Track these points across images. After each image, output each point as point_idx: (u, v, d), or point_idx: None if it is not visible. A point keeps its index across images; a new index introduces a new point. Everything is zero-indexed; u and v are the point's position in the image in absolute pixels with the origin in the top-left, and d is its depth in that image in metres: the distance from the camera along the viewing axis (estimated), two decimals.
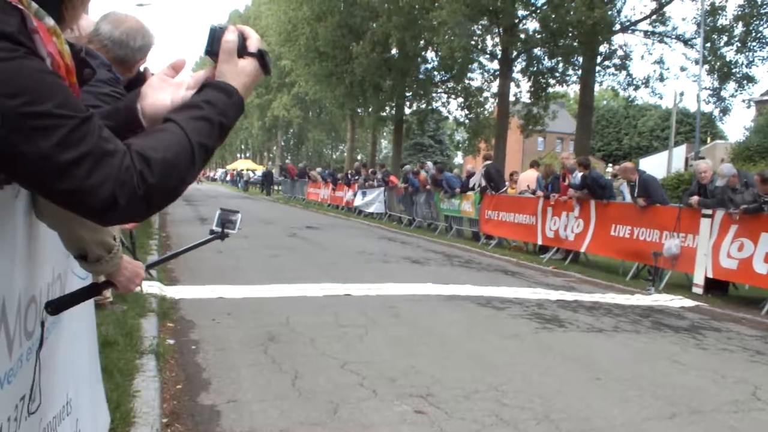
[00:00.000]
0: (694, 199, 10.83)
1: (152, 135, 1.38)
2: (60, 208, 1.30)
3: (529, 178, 17.27)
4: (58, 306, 2.03)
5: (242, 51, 1.53)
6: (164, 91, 1.58)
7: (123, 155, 1.25)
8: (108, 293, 6.57)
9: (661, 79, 29.49)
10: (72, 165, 1.18)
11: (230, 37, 1.52)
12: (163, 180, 1.31)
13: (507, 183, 18.75)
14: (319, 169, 37.38)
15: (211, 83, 1.51)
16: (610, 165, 57.82)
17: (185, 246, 2.75)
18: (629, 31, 29.31)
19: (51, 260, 1.96)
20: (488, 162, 18.10)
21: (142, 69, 3.07)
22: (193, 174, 1.41)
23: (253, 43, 1.55)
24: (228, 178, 70.90)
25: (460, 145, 44.20)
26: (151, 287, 7.93)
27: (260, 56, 1.55)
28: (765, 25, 26.51)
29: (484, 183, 17.39)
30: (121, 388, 4.28)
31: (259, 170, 61.82)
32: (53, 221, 1.86)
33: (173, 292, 8.39)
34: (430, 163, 22.36)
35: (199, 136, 1.40)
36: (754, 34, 26.41)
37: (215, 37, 1.53)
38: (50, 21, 1.28)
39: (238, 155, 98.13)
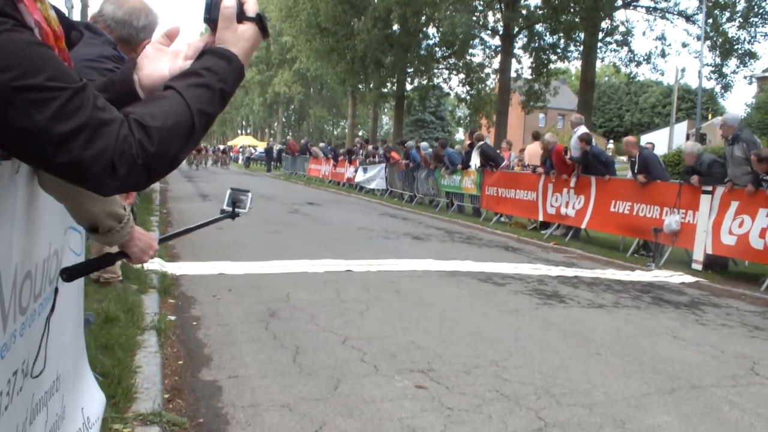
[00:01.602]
0: (695, 178, 10.81)
1: (151, 103, 1.37)
2: (64, 182, 1.29)
3: (535, 152, 17.16)
4: (71, 273, 2.07)
5: (241, 16, 1.52)
6: (161, 60, 1.56)
7: (120, 124, 1.24)
8: (118, 271, 6.60)
9: (663, 55, 29.42)
10: (69, 137, 1.17)
11: (229, 3, 1.50)
12: (163, 148, 1.30)
13: (515, 157, 18.72)
14: (322, 144, 37.28)
15: (211, 50, 1.49)
16: (611, 141, 57.68)
17: (196, 223, 2.75)
18: (631, 7, 29.12)
19: (48, 235, 1.96)
20: (482, 142, 18.07)
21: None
22: (193, 142, 1.39)
23: (251, 7, 1.53)
24: (232, 154, 70.70)
25: (462, 122, 44.01)
26: (152, 263, 7.93)
27: (259, 20, 1.54)
28: (767, 1, 26.33)
29: (479, 164, 17.41)
30: (122, 364, 4.30)
31: (261, 147, 61.68)
32: (59, 195, 1.87)
33: (174, 268, 8.40)
34: (425, 143, 22.35)
35: (200, 103, 1.39)
36: (756, 9, 26.21)
37: (213, 4, 1.51)
38: None
39: (239, 131, 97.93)
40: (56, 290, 2.02)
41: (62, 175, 1.26)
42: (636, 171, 12.19)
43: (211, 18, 1.51)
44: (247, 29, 1.52)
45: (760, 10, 26.19)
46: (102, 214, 1.99)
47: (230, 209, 2.70)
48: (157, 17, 3.03)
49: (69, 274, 2.05)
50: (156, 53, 1.58)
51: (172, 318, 6.15)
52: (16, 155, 1.26)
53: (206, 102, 1.40)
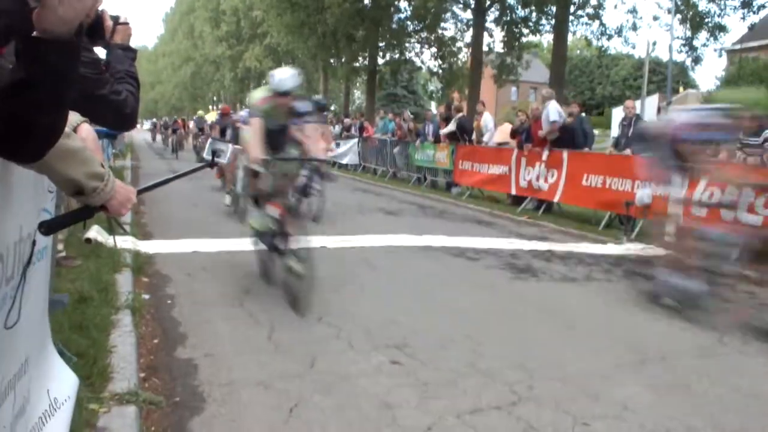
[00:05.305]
0: None
1: None
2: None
3: (504, 131, 17.25)
4: (50, 227, 2.08)
5: None
6: None
7: None
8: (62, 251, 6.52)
9: (634, 28, 29.45)
10: None
11: None
12: None
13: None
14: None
15: None
16: (584, 114, 57.87)
17: (173, 175, 2.75)
18: None
19: (19, 218, 1.95)
20: (460, 114, 18.13)
21: (99, 9, 2.97)
22: None
23: None
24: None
25: (434, 95, 43.91)
26: (125, 242, 7.88)
27: None
28: None
29: (454, 132, 17.54)
30: (97, 343, 4.28)
31: None
32: (40, 167, 1.87)
33: (148, 246, 8.33)
34: (408, 112, 22.53)
35: None
36: None
37: None
38: None
39: (211, 107, 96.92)
40: (34, 242, 2.02)
41: None
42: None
43: None
44: None
45: None
46: (85, 177, 2.01)
47: (210, 158, 2.71)
48: None
49: (48, 227, 2.07)
50: None
51: (147, 297, 6.11)
52: None
53: None
